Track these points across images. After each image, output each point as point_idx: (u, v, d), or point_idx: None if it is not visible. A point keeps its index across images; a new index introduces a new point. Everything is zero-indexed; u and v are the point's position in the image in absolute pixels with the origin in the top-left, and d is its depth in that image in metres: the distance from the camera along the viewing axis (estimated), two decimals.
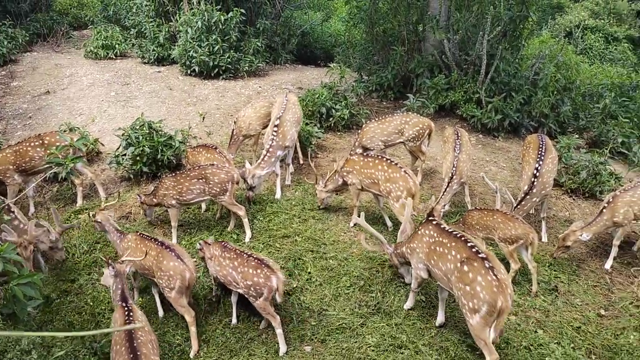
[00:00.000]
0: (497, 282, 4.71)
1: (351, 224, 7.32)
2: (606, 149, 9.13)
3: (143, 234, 5.77)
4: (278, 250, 6.75)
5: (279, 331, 5.28)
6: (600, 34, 19.70)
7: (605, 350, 5.45)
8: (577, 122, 10.75)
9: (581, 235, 6.52)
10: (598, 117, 10.54)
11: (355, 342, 5.40)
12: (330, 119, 10.19)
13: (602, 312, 6.03)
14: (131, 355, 4.29)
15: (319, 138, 9.58)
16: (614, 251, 6.78)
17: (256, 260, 5.37)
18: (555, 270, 6.63)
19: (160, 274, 5.37)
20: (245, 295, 5.40)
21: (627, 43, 19.65)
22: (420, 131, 8.21)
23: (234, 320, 5.69)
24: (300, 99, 9.69)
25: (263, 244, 6.87)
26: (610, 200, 6.68)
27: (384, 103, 12.13)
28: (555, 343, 5.50)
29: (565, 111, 10.44)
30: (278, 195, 7.93)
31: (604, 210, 6.66)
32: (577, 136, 10.12)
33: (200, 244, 5.82)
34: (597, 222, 6.63)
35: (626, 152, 9.50)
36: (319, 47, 17.26)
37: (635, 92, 11.52)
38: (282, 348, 5.28)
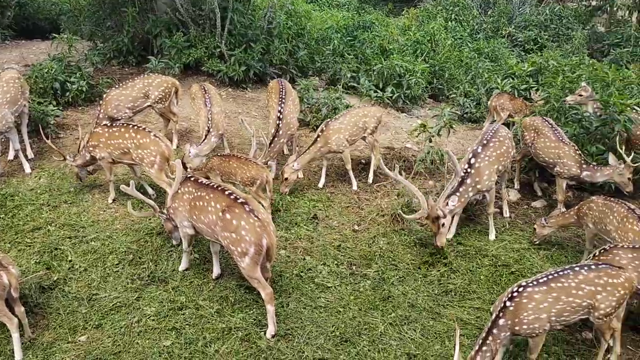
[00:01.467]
0: (260, 222, 4.95)
1: (109, 200, 6.90)
2: (339, 85, 10.11)
3: None
4: (29, 246, 6.05)
5: (15, 336, 4.65)
6: None
7: (362, 259, 6.20)
8: (315, 65, 11.65)
9: (294, 166, 7.05)
10: (330, 58, 11.55)
11: (134, 317, 5.20)
12: (67, 93, 9.27)
13: (356, 227, 6.81)
14: None
15: (58, 116, 8.69)
16: (352, 175, 7.54)
17: None
18: (313, 201, 7.24)
19: None
20: None
21: None
22: (166, 90, 8.01)
23: None
24: (26, 77, 8.60)
25: (10, 242, 6.09)
26: (324, 128, 7.31)
27: (127, 69, 11.47)
28: (321, 264, 6.07)
29: (302, 56, 11.22)
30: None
31: (318, 138, 7.23)
32: (316, 77, 11.00)
33: None
34: (311, 151, 7.21)
35: (356, 85, 10.66)
36: (43, 17, 15.39)
37: (357, 32, 12.85)
38: (17, 356, 4.68)
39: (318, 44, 12.11)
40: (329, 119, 7.56)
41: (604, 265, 4.47)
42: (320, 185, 7.58)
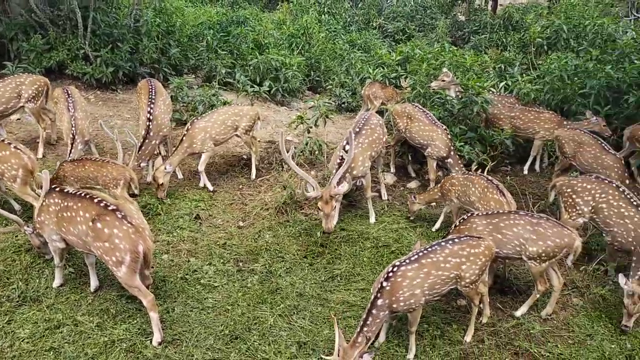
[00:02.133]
0: (134, 228, 4.75)
1: None
2: (215, 82, 9.96)
3: None
4: None
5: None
6: None
7: (249, 255, 6.18)
8: (189, 62, 11.37)
9: (165, 168, 6.82)
10: (205, 55, 11.33)
11: (5, 342, 4.78)
12: None
13: (241, 223, 6.77)
14: None
15: None
16: (203, 177, 7.31)
17: None
18: (194, 201, 7.09)
19: None
20: None
21: None
22: (39, 89, 7.55)
23: None
24: None
25: None
26: (189, 127, 7.12)
27: None
28: (207, 265, 5.97)
29: (175, 54, 10.89)
30: None
31: (184, 137, 7.04)
32: (192, 75, 10.74)
33: None
34: (178, 152, 7.01)
35: (232, 81, 10.56)
36: None
37: (231, 27, 12.71)
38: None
39: (191, 41, 11.83)
40: (194, 118, 7.41)
41: (465, 237, 4.84)
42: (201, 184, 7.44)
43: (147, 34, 10.57)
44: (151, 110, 7.07)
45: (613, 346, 5.03)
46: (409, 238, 6.58)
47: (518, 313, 5.36)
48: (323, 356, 4.61)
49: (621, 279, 5.09)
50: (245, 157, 8.38)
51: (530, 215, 5.23)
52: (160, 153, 7.57)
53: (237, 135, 7.50)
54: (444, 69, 8.64)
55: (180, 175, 7.59)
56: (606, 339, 5.13)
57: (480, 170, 6.83)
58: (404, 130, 7.62)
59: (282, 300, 5.49)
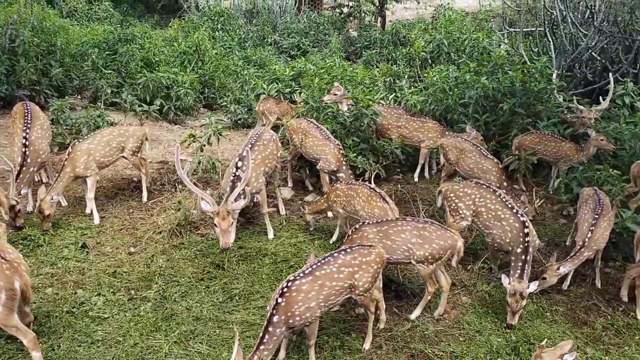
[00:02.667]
0: (8, 264, 4.42)
1: None
2: (100, 102, 9.52)
3: None
4: None
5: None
6: None
7: (141, 282, 5.90)
8: (72, 83, 10.79)
9: (52, 198, 6.41)
10: (90, 74, 10.81)
11: None
12: None
13: (132, 249, 6.47)
14: None
15: None
16: (90, 205, 6.92)
17: None
18: (80, 229, 6.69)
19: None
20: None
21: (108, 2, 20.44)
22: None
23: None
24: None
25: None
26: (70, 150, 6.70)
27: None
28: (96, 295, 5.63)
29: (56, 74, 10.29)
30: None
31: (65, 162, 6.61)
32: (77, 96, 10.20)
33: None
34: (61, 178, 6.57)
35: (119, 100, 10.15)
36: None
37: (118, 45, 12.24)
38: None
39: (76, 61, 11.24)
40: (76, 140, 7.03)
41: (356, 247, 4.94)
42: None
43: (25, 55, 9.89)
44: (27, 136, 6.59)
45: (500, 340, 5.33)
46: (307, 251, 6.60)
47: (412, 316, 5.53)
48: None
49: (504, 279, 5.41)
50: (135, 179, 8.04)
51: (417, 221, 5.45)
52: (41, 180, 7.07)
53: (124, 156, 7.18)
54: (336, 83, 8.84)
55: (64, 202, 7.13)
56: (493, 333, 5.42)
57: (372, 180, 7.04)
58: (299, 145, 7.69)
59: (178, 326, 5.28)
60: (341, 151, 7.43)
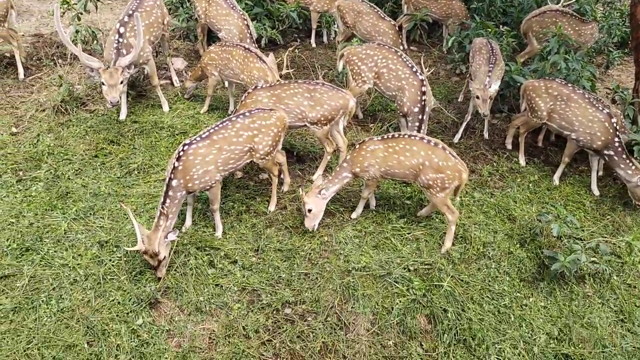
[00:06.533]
0: None
1: None
2: None
3: None
4: None
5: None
6: None
7: (29, 162, 5.55)
8: None
9: None
10: None
11: None
12: None
13: (14, 129, 6.03)
14: None
15: None
16: None
17: None
18: None
19: None
20: None
21: None
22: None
23: None
24: None
25: None
26: None
27: None
28: None
29: None
30: None
31: None
32: None
33: None
34: None
35: None
36: None
37: None
38: None
39: None
40: None
41: (256, 110, 4.87)
42: None
43: None
44: None
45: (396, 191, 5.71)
46: (206, 123, 6.46)
47: (315, 177, 5.69)
48: (127, 248, 4.47)
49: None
50: (7, 54, 7.23)
51: (307, 83, 5.41)
52: None
53: None
54: None
55: None
56: (390, 187, 5.77)
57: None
58: (202, 15, 7.15)
59: (75, 204, 5.12)
60: (245, 22, 6.97)
